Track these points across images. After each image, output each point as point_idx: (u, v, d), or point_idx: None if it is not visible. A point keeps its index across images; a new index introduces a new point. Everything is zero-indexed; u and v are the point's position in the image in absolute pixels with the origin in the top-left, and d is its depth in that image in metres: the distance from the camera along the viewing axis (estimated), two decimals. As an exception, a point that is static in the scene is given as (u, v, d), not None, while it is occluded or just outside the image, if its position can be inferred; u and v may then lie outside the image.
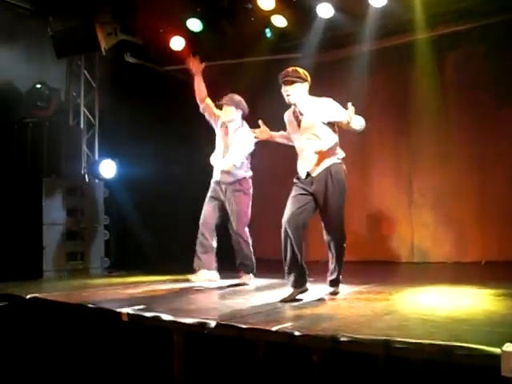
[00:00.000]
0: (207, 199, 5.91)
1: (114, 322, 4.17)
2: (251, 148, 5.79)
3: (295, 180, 4.79)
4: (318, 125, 4.66)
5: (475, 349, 2.62)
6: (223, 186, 5.80)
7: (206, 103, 6.01)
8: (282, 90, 4.69)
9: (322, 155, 4.64)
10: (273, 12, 7.52)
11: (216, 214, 5.86)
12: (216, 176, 5.85)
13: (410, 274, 7.18)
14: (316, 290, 4.95)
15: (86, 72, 8.37)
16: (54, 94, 7.65)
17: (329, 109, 4.68)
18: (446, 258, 7.60)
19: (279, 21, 7.66)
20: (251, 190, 5.88)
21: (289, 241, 4.57)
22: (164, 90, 8.76)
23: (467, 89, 7.59)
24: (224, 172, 5.75)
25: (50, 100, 7.53)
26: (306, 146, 4.71)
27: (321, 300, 4.62)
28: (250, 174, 5.92)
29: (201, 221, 5.85)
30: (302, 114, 4.70)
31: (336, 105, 4.71)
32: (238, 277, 5.90)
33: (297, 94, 4.67)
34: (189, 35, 8.02)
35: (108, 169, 7.89)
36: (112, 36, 7.53)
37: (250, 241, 5.87)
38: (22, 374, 4.65)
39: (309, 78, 4.79)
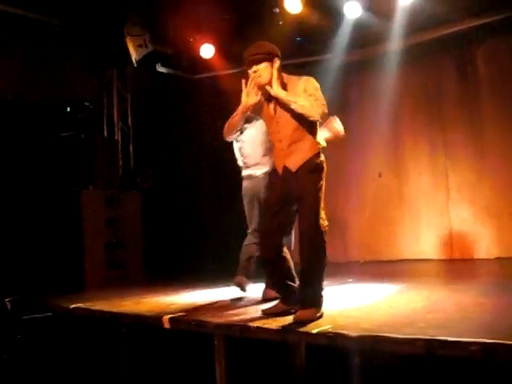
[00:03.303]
0: None
1: (156, 330, 4.22)
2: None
3: (271, 177, 4.23)
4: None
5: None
6: None
7: None
8: (250, 72, 3.87)
9: (301, 146, 3.89)
10: (300, 15, 7.53)
11: None
12: None
13: (451, 271, 7.09)
14: (355, 290, 4.92)
15: (118, 83, 8.50)
16: (88, 107, 7.79)
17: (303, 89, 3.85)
18: (486, 254, 7.47)
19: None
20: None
21: None
22: (196, 98, 8.84)
23: (499, 81, 7.48)
24: None
25: (84, 113, 7.68)
26: (282, 136, 3.94)
27: (360, 301, 4.59)
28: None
29: None
30: (274, 97, 3.90)
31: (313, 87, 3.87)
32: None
33: (268, 73, 3.85)
34: (218, 42, 8.09)
35: (144, 179, 7.99)
36: (142, 47, 7.64)
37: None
38: (65, 380, 4.77)
39: (279, 53, 3.97)
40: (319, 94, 3.83)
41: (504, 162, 7.42)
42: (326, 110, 3.84)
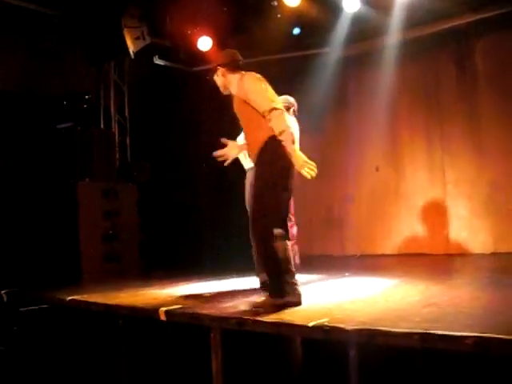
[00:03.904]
0: None
1: (152, 322, 4.22)
2: None
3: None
4: (243, 108, 3.96)
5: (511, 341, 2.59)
6: None
7: None
8: None
9: (256, 137, 3.88)
10: (298, 8, 7.51)
11: None
12: None
13: (447, 266, 7.11)
14: (352, 284, 4.93)
15: (115, 76, 8.48)
16: (85, 99, 7.77)
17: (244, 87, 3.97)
18: (483, 249, 7.49)
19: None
20: None
21: None
22: (194, 91, 8.82)
23: (498, 76, 7.48)
24: None
25: (81, 106, 7.66)
26: (244, 128, 4.09)
27: (357, 294, 4.60)
28: None
29: None
30: (233, 94, 4.13)
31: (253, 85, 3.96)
32: None
33: (220, 82, 4.23)
34: (216, 35, 8.07)
35: (140, 172, 7.99)
36: (140, 39, 7.62)
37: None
38: (61, 372, 4.77)
39: (229, 57, 4.23)
40: (255, 96, 3.84)
41: (503, 156, 7.42)
42: (273, 104, 3.77)
